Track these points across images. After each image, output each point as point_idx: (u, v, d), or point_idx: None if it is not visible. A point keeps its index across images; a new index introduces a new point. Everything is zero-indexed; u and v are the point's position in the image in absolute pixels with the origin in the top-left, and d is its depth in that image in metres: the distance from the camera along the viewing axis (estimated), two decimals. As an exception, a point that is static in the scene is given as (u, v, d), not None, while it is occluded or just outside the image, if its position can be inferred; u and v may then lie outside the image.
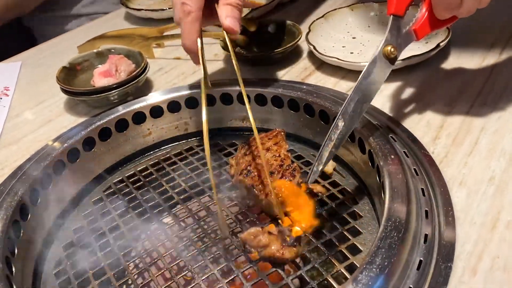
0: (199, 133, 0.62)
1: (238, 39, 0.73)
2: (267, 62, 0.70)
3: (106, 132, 0.56)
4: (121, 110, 0.57)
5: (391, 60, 0.45)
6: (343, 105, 0.44)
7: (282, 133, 0.53)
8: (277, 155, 0.49)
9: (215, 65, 0.72)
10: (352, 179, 0.51)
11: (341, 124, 0.44)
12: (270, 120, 0.59)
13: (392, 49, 0.45)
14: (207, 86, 0.53)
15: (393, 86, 0.61)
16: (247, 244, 0.41)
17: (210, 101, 0.59)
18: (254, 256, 0.41)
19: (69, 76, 0.68)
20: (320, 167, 0.44)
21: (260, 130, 0.56)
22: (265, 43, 0.75)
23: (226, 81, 0.61)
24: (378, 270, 0.33)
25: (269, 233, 0.41)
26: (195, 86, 0.60)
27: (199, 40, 0.50)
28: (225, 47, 0.70)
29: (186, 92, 0.59)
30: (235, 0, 0.50)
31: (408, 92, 0.59)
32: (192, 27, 0.50)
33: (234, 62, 0.49)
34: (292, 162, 0.48)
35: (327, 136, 0.44)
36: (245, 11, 0.83)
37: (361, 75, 0.44)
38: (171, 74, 0.73)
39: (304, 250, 0.42)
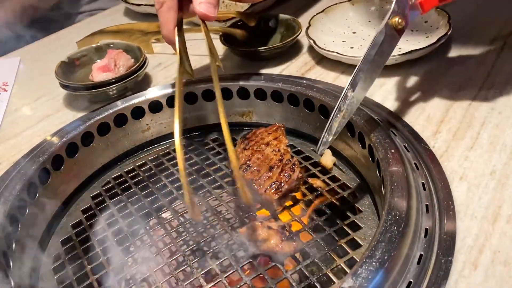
0: (198, 128, 0.61)
1: (237, 33, 0.73)
2: (267, 57, 0.70)
3: (105, 127, 0.56)
4: (120, 105, 0.57)
5: (399, 31, 0.45)
6: (352, 76, 0.43)
7: (282, 128, 0.52)
8: (277, 149, 0.49)
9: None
10: (352, 174, 0.51)
11: (350, 94, 0.43)
12: (270, 114, 0.59)
13: (400, 20, 0.44)
14: (188, 74, 0.52)
15: (394, 80, 0.60)
16: (247, 238, 0.41)
17: (209, 95, 0.59)
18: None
19: (67, 71, 0.68)
20: (330, 138, 0.43)
21: (260, 125, 0.57)
22: (265, 37, 0.75)
23: (225, 76, 0.61)
24: (378, 264, 0.33)
25: (268, 227, 0.41)
26: (194, 81, 0.60)
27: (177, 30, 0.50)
28: (224, 42, 0.70)
29: (185, 87, 0.59)
30: None
31: (408, 86, 0.59)
32: (167, 16, 0.50)
33: (209, 50, 0.48)
34: (292, 156, 0.48)
35: (336, 106, 0.43)
36: (245, 6, 0.83)
37: (368, 46, 0.44)
38: (170, 69, 0.72)
39: (304, 245, 0.41)
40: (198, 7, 0.48)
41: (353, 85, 0.43)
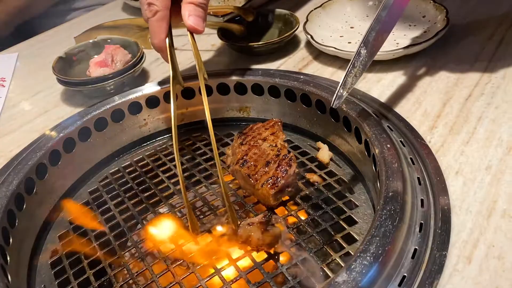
0: (196, 123, 0.61)
1: (235, 29, 0.72)
2: (264, 52, 0.70)
3: (102, 122, 0.56)
4: (117, 100, 0.57)
5: None
6: (364, 34, 0.46)
7: (279, 123, 0.52)
8: (274, 145, 0.49)
9: (211, 56, 0.72)
10: (349, 169, 0.51)
11: (363, 52, 0.46)
12: (267, 110, 0.59)
13: None
14: (179, 84, 0.53)
15: (391, 75, 0.60)
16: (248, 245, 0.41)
17: (207, 91, 0.59)
18: (253, 249, 0.41)
19: (65, 66, 0.68)
20: (345, 92, 0.45)
21: (257, 120, 0.57)
22: (263, 33, 0.75)
23: (222, 71, 0.61)
24: (372, 258, 0.33)
25: (248, 224, 0.41)
26: (191, 76, 0.60)
27: (168, 40, 0.50)
28: (222, 37, 0.70)
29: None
30: None
31: (405, 81, 0.59)
32: (159, 26, 0.50)
33: (196, 61, 0.48)
34: (289, 152, 0.48)
35: (350, 63, 0.45)
36: (243, 1, 0.83)
37: (380, 8, 0.47)
38: (167, 65, 0.71)
39: (299, 240, 0.42)
40: (187, 20, 0.49)
41: (365, 43, 0.46)
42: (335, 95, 0.45)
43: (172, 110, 0.44)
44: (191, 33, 0.50)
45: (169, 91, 0.58)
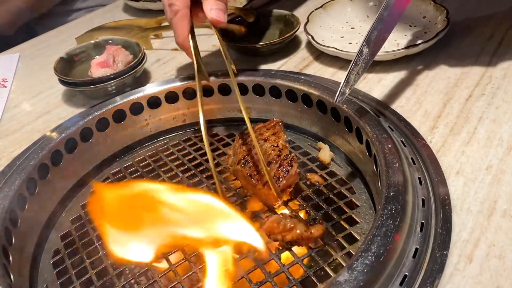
0: (197, 124, 0.61)
1: (236, 29, 0.73)
2: (265, 53, 0.70)
3: (103, 122, 0.56)
4: (119, 101, 0.57)
5: None
6: (367, 33, 0.47)
7: (280, 123, 0.53)
8: (275, 145, 0.49)
9: (213, 56, 0.72)
10: (350, 169, 0.51)
11: (365, 50, 0.47)
12: (268, 110, 0.59)
13: None
14: (204, 79, 0.55)
15: (392, 76, 0.61)
16: (272, 233, 0.41)
17: (209, 92, 0.59)
18: (279, 245, 0.41)
19: (67, 67, 0.68)
20: (348, 89, 0.46)
21: (258, 121, 0.57)
22: (263, 33, 0.75)
23: (224, 72, 0.61)
24: (373, 258, 0.33)
25: (291, 216, 0.41)
26: (192, 77, 0.60)
27: (190, 37, 0.52)
28: (223, 38, 0.70)
29: (184, 83, 0.59)
30: None
31: (406, 81, 0.59)
32: (181, 25, 0.53)
33: (224, 54, 0.51)
34: (290, 152, 0.48)
35: (352, 61, 0.46)
36: (244, 1, 0.83)
37: (382, 8, 0.48)
38: (169, 65, 0.72)
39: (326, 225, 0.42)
40: (209, 13, 0.51)
41: (368, 42, 0.47)
42: (338, 91, 0.46)
43: (199, 104, 0.47)
44: (215, 27, 0.52)
45: (172, 91, 0.59)
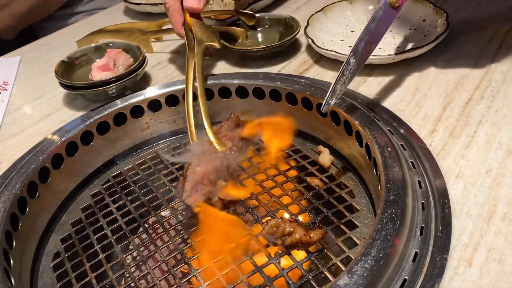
0: (197, 127, 0.61)
1: (236, 32, 0.73)
2: (266, 56, 0.70)
3: (104, 126, 0.56)
4: (119, 104, 0.57)
5: (396, 8, 0.50)
6: (354, 44, 0.48)
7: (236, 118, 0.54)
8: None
9: (212, 59, 0.72)
10: (350, 173, 0.51)
11: (352, 61, 0.48)
12: (269, 113, 0.59)
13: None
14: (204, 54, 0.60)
15: (392, 79, 0.61)
16: (272, 237, 0.41)
17: (210, 94, 0.59)
18: (278, 249, 0.41)
19: (67, 70, 0.68)
20: (333, 100, 0.47)
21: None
22: (264, 36, 0.75)
23: (224, 75, 0.61)
24: (373, 262, 0.33)
25: (290, 221, 0.41)
26: (193, 79, 0.60)
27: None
28: (223, 41, 0.70)
29: (184, 85, 0.59)
30: None
31: (406, 85, 0.59)
32: (174, 18, 0.61)
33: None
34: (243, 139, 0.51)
35: (339, 72, 0.47)
36: (244, 4, 0.83)
37: (369, 20, 0.49)
38: (169, 68, 0.73)
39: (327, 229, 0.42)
40: (185, 2, 0.60)
41: (354, 53, 0.48)
42: (324, 101, 0.47)
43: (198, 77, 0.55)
44: (189, 13, 0.61)
45: (172, 95, 0.59)
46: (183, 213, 0.48)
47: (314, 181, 0.49)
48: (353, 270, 0.33)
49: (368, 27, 0.49)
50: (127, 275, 0.42)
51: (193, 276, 0.40)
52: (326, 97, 0.47)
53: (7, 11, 1.08)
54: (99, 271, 0.42)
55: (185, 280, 0.40)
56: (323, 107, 0.47)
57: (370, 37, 0.49)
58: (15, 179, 0.47)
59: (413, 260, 0.36)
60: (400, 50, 0.62)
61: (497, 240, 0.38)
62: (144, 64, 0.67)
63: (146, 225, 0.48)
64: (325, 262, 0.40)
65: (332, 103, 0.47)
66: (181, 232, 0.46)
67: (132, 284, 0.41)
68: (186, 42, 0.60)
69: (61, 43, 0.91)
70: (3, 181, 0.48)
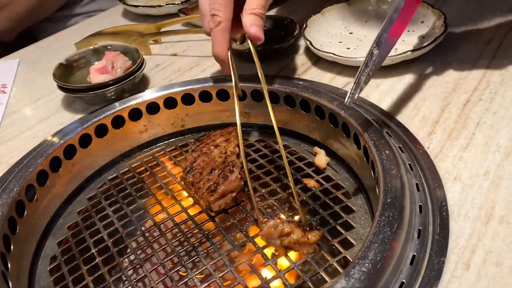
0: (195, 130, 0.62)
1: (238, 35, 0.73)
2: (264, 58, 0.70)
3: (102, 128, 0.56)
4: (118, 107, 0.57)
5: None
6: (377, 35, 0.47)
7: (235, 131, 0.53)
8: (224, 151, 0.49)
9: (211, 61, 0.72)
10: (345, 174, 0.51)
11: (376, 52, 0.47)
12: (267, 115, 0.58)
13: None
14: (238, 93, 0.53)
15: (390, 81, 0.61)
16: (270, 238, 0.41)
17: (208, 97, 0.59)
18: (275, 250, 0.41)
19: (65, 73, 0.68)
20: (358, 91, 0.46)
21: (257, 125, 0.57)
22: (262, 39, 0.75)
23: (222, 77, 0.61)
24: (370, 265, 0.33)
25: (288, 221, 0.41)
26: (191, 82, 0.60)
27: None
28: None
29: (183, 88, 0.59)
30: (259, 10, 0.51)
31: (404, 87, 0.59)
32: (222, 37, 0.52)
33: (258, 68, 0.51)
34: (238, 157, 0.48)
35: (363, 63, 0.46)
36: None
37: (391, 10, 0.48)
38: (168, 71, 0.73)
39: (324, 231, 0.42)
40: (250, 29, 0.51)
41: (378, 44, 0.47)
42: (349, 93, 0.46)
43: (237, 115, 0.48)
44: (251, 41, 0.52)
45: (170, 97, 0.59)
46: (180, 215, 0.48)
47: (310, 182, 0.49)
48: (351, 273, 0.33)
49: (391, 17, 0.48)
50: (124, 278, 0.42)
51: (190, 279, 0.40)
52: (350, 90, 0.46)
53: (6, 12, 1.08)
54: (96, 275, 0.42)
55: (182, 283, 0.40)
56: (347, 100, 0.46)
57: (393, 28, 0.47)
58: (13, 182, 0.47)
59: (411, 263, 0.36)
60: (398, 52, 0.62)
61: (495, 242, 0.38)
62: (143, 67, 0.67)
63: (143, 228, 0.47)
64: (321, 263, 0.40)
65: (356, 95, 0.46)
66: (178, 234, 0.45)
67: (129, 287, 0.41)
68: (231, 74, 0.52)
69: (59, 46, 0.91)
70: (1, 184, 0.48)
